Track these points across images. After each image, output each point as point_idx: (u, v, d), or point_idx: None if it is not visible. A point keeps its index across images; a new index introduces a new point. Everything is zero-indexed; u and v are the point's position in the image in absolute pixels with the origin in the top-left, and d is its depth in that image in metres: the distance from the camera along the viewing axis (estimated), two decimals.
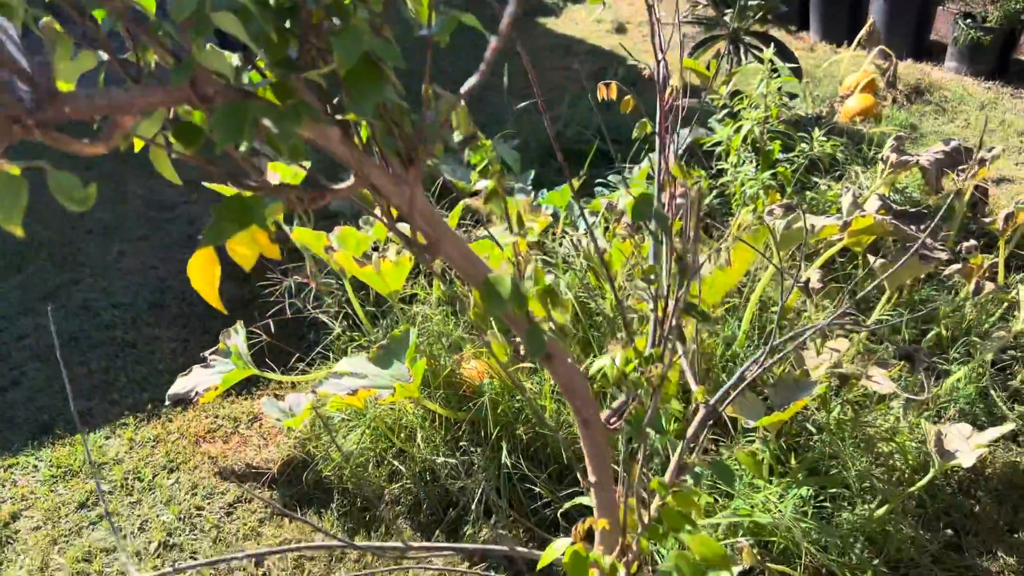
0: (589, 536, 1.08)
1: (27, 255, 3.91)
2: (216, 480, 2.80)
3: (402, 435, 2.74)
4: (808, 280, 2.85)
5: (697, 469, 1.04)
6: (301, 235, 2.85)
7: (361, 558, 2.49)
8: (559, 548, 0.94)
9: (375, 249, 2.94)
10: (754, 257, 2.35)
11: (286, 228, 2.89)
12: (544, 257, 3.08)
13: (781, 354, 1.57)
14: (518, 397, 2.65)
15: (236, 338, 2.88)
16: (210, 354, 2.96)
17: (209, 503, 2.71)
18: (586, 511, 1.18)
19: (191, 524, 2.64)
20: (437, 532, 2.55)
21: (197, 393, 2.80)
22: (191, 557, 2.52)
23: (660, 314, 0.94)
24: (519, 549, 1.02)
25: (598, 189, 3.81)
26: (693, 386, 1.17)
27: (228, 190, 2.71)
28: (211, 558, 2.48)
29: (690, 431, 1.10)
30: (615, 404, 0.99)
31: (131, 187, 4.48)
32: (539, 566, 0.98)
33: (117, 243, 4.05)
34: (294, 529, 2.60)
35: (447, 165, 3.82)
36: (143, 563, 2.49)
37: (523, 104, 2.86)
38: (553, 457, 2.62)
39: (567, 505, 2.18)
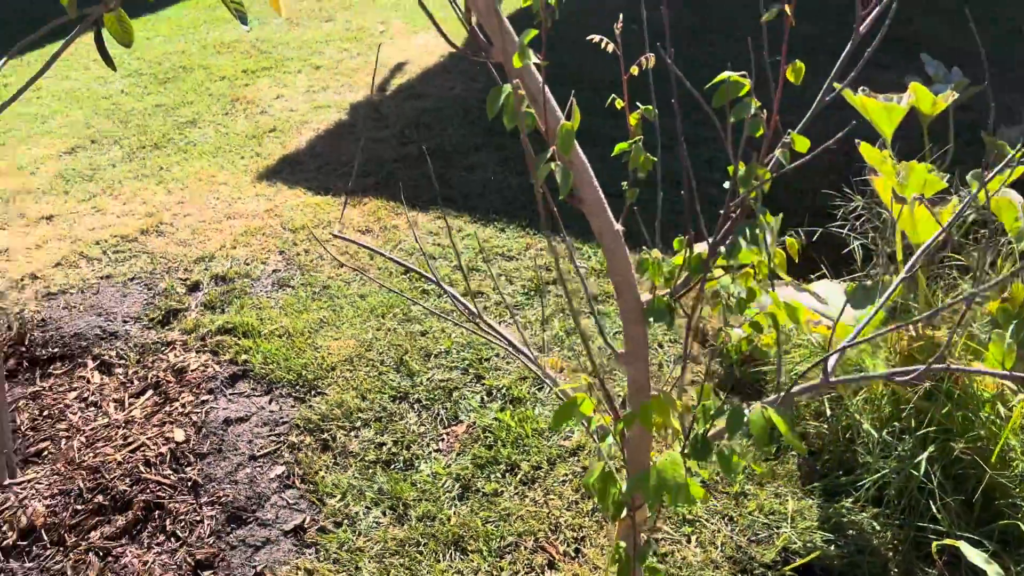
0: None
1: None
2: None
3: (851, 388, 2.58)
4: None
5: (708, 402, 0.90)
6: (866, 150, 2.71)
7: None
8: (569, 387, 1.00)
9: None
10: None
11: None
12: None
13: None
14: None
15: (766, 229, 3.00)
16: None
17: None
18: None
19: None
20: (816, 484, 2.42)
21: None
22: None
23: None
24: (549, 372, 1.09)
25: None
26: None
27: None
28: None
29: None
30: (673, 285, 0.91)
31: None
32: (555, 389, 1.06)
33: None
34: None
35: None
36: None
37: None
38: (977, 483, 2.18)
39: None
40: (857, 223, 3.03)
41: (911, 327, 2.62)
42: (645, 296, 0.96)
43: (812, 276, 3.08)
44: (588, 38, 0.98)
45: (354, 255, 3.67)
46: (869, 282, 2.53)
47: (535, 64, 0.84)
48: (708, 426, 0.94)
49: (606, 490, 1.01)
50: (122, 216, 4.09)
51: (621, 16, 0.96)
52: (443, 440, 2.71)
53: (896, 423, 2.42)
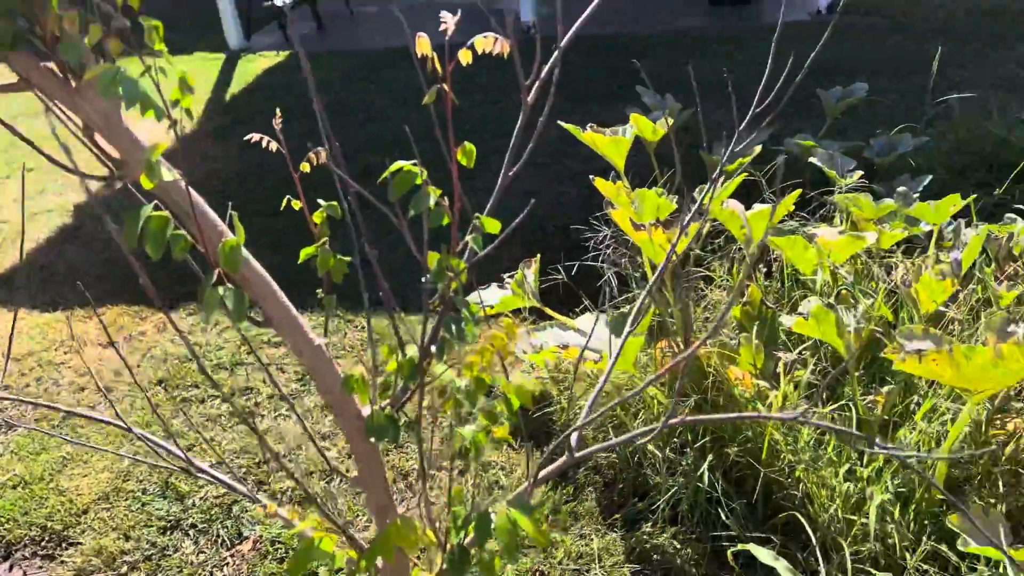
0: None
1: None
2: None
3: (632, 410, 2.63)
4: None
5: (458, 508, 0.83)
6: (601, 184, 2.82)
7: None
8: (305, 526, 0.87)
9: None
10: None
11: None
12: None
13: None
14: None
15: (527, 270, 3.03)
16: (507, 277, 3.16)
17: None
18: None
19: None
20: (617, 515, 2.43)
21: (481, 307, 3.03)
22: None
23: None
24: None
25: (1010, 216, 2.97)
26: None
27: None
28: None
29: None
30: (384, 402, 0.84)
31: None
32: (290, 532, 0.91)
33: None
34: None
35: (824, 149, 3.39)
36: None
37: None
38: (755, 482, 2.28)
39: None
40: (609, 252, 3.14)
41: (673, 344, 2.73)
42: (367, 410, 0.86)
43: (577, 310, 3.15)
44: (247, 137, 0.88)
45: (103, 360, 3.27)
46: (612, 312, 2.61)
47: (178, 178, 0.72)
48: (462, 536, 0.85)
49: None
50: None
51: (278, 110, 0.87)
52: (228, 564, 2.43)
53: (676, 439, 2.49)
